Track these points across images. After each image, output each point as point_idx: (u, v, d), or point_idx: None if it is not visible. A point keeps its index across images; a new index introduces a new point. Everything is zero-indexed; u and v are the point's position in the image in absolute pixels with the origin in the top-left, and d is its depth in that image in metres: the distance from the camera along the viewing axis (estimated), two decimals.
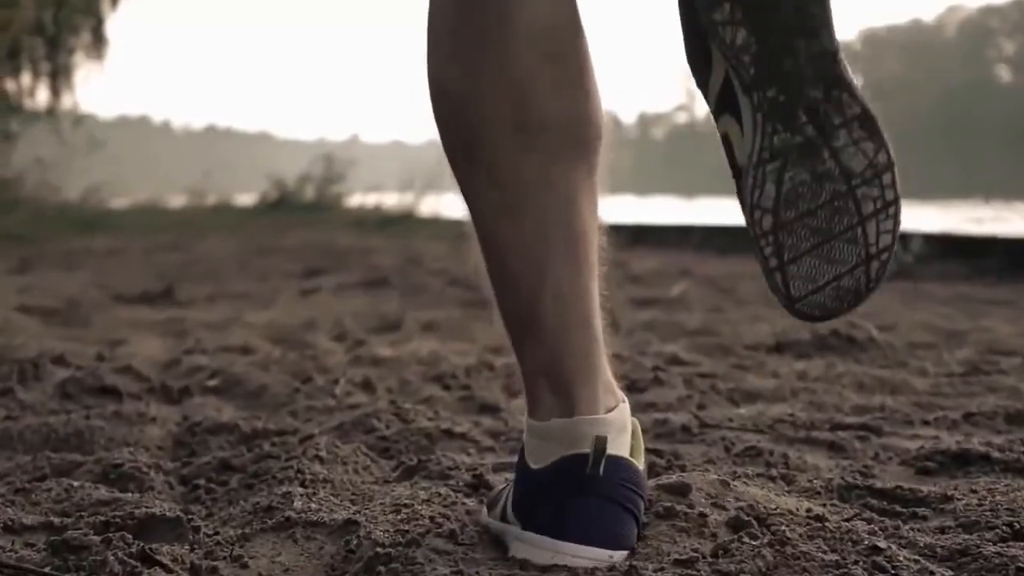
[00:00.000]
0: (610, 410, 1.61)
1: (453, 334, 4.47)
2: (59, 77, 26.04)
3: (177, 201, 21.70)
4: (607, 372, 1.66)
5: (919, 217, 11.48)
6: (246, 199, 20.75)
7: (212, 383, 2.90)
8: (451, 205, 16.89)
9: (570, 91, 1.62)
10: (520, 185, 1.63)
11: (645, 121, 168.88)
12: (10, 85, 25.91)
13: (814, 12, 1.57)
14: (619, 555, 1.56)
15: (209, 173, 21.71)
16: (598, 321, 1.67)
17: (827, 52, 1.57)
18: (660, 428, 2.32)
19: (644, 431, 1.81)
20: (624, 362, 3.11)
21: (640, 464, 1.64)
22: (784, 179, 1.58)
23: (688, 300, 5.82)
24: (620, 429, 1.61)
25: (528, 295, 1.63)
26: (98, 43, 26.62)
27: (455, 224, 13.23)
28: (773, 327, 4.71)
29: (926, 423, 2.48)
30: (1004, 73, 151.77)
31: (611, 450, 1.58)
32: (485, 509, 1.75)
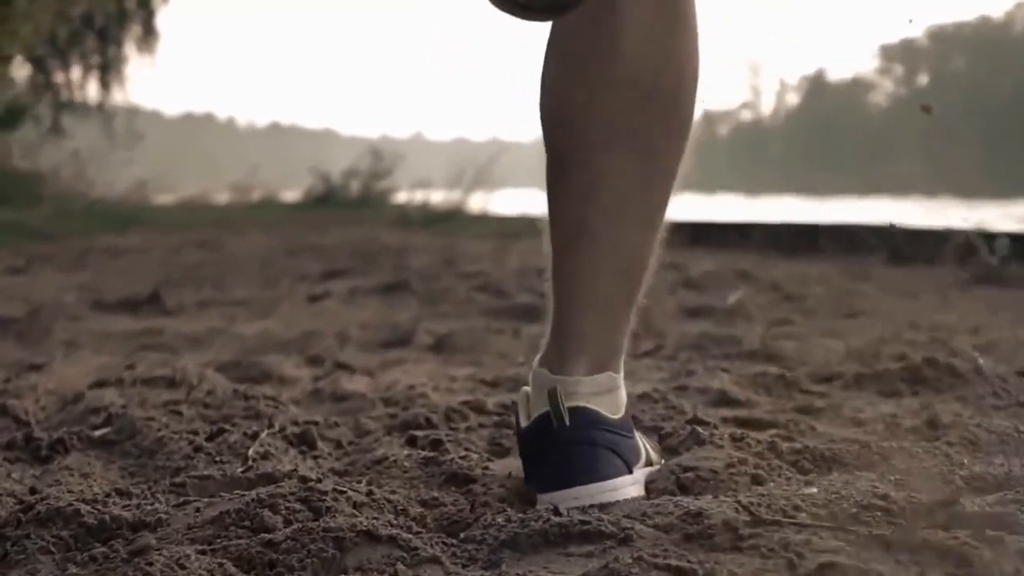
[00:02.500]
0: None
1: (463, 353, 3.75)
2: (109, 71, 25.64)
3: (223, 197, 21.21)
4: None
5: (1002, 216, 10.72)
6: (293, 195, 20.24)
7: (100, 433, 2.17)
8: (500, 201, 16.26)
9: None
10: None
11: (709, 118, 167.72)
12: (60, 79, 25.52)
13: None
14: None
15: (255, 168, 21.17)
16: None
17: None
18: (692, 525, 1.55)
19: (669, 528, 1.56)
20: (656, 403, 2.36)
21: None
22: None
23: (747, 309, 5.05)
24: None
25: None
26: (149, 36, 26.18)
27: (502, 221, 12.60)
28: (847, 344, 3.95)
29: None
30: None
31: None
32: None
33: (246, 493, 1.65)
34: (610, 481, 1.70)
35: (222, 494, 1.77)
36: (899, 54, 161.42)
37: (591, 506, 1.64)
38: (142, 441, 2.07)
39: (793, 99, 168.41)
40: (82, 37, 25.24)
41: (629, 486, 1.74)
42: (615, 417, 1.78)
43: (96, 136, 20.81)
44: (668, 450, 2.02)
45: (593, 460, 1.71)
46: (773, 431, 2.21)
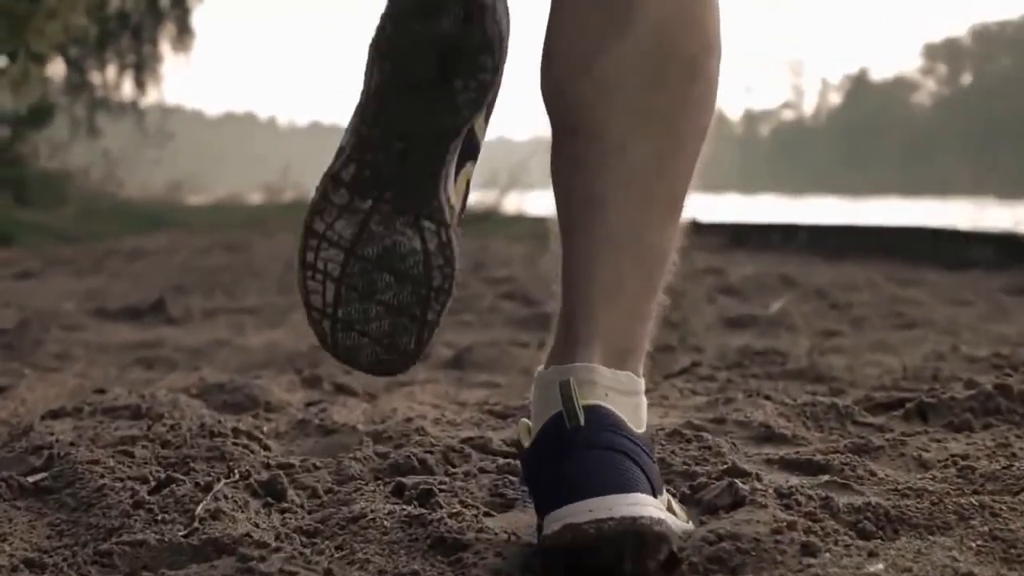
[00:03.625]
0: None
1: (481, 369, 3.44)
2: (144, 70, 25.47)
3: (256, 198, 20.98)
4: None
5: None
6: None
7: (36, 479, 1.85)
8: (536, 202, 15.92)
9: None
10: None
11: (751, 118, 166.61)
12: (96, 78, 25.35)
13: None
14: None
15: (287, 169, 20.89)
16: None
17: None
18: None
19: None
20: (689, 442, 2.02)
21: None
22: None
23: (791, 319, 4.71)
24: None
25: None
26: (184, 35, 26.00)
27: (537, 223, 12.24)
28: (902, 360, 3.62)
29: None
30: None
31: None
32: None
33: (174, 574, 1.33)
34: (635, 495, 1.40)
35: (146, 573, 1.45)
36: (943, 53, 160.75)
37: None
38: (80, 490, 1.75)
39: (835, 99, 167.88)
40: (117, 36, 25.11)
41: (652, 506, 1.42)
42: (638, 431, 1.52)
43: (128, 136, 20.60)
44: (702, 506, 1.69)
45: (613, 467, 1.43)
46: (826, 477, 1.87)
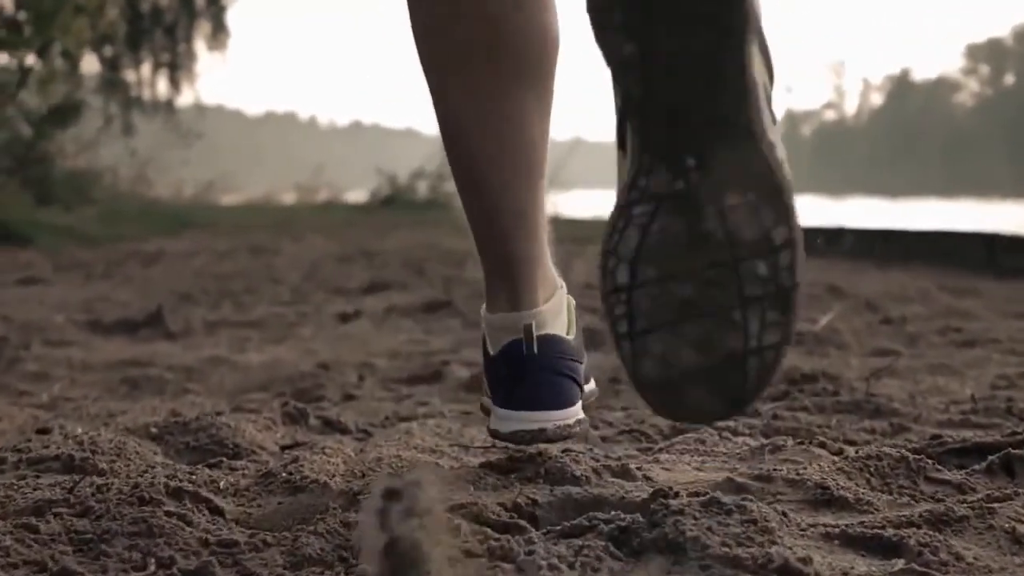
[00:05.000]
0: (547, 300, 1.92)
1: None
2: (178, 68, 25.25)
3: (289, 198, 20.72)
4: (547, 265, 1.94)
5: None
6: (360, 196, 19.70)
7: None
8: (571, 203, 15.55)
9: (535, 11, 1.76)
10: (489, 99, 1.79)
11: (793, 118, 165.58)
12: (130, 76, 25.12)
13: (724, 44, 1.30)
14: (569, 412, 1.89)
15: (321, 169, 20.63)
16: (544, 229, 1.93)
17: (737, 81, 1.31)
18: None
19: None
20: (729, 515, 1.63)
21: (572, 334, 1.96)
22: (652, 229, 1.34)
23: (841, 335, 4.31)
24: (556, 313, 1.93)
25: (489, 207, 1.88)
26: (219, 33, 25.77)
27: (572, 224, 11.87)
28: (967, 387, 3.24)
29: None
30: None
31: (547, 330, 1.90)
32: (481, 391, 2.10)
33: None
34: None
35: None
36: (985, 54, 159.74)
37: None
38: None
39: (877, 99, 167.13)
40: (151, 34, 24.91)
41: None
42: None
43: (157, 135, 20.35)
44: None
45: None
46: (901, 563, 1.49)
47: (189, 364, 3.77)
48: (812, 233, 10.07)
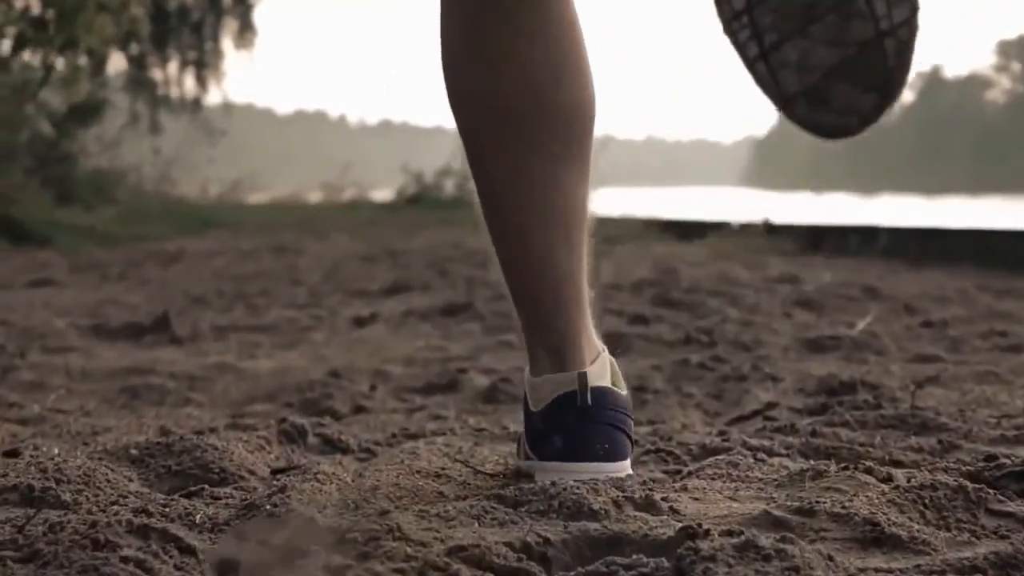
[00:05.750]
0: (593, 361, 1.88)
1: (518, 406, 2.88)
2: (205, 67, 25.13)
3: (316, 197, 20.57)
4: (590, 329, 1.91)
5: None
6: (387, 194, 19.53)
7: None
8: (601, 201, 15.35)
9: (570, 84, 1.76)
10: (527, 177, 1.79)
11: None
12: (157, 74, 25.00)
13: None
14: (621, 465, 1.87)
15: (347, 167, 20.45)
16: (586, 294, 1.90)
17: None
18: None
19: None
20: (768, 561, 1.41)
21: (623, 391, 1.92)
22: None
23: (880, 340, 4.10)
24: (601, 374, 1.88)
25: (531, 277, 1.86)
26: (246, 31, 25.63)
27: (602, 223, 11.64)
28: (1017, 397, 3.02)
29: None
30: None
31: (595, 383, 1.86)
32: (516, 454, 2.06)
33: None
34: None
35: None
36: (1017, 50, 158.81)
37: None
38: None
39: (908, 96, 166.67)
40: (178, 33, 24.80)
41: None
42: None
43: (183, 134, 20.22)
44: None
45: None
46: None
47: (193, 372, 3.59)
48: (845, 232, 9.86)
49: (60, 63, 14.23)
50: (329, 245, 10.29)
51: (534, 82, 1.76)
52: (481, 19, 1.76)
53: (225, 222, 13.95)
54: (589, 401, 1.84)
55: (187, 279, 6.79)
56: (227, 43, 25.55)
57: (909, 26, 1.36)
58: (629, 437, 1.90)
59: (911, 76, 1.35)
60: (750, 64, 1.42)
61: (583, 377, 1.84)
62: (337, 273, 7.32)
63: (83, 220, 11.44)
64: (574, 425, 1.84)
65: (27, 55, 13.98)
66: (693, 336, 4.24)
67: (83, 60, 15.64)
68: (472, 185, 1.92)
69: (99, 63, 19.61)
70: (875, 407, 2.76)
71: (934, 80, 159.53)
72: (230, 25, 25.61)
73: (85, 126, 14.04)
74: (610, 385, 1.88)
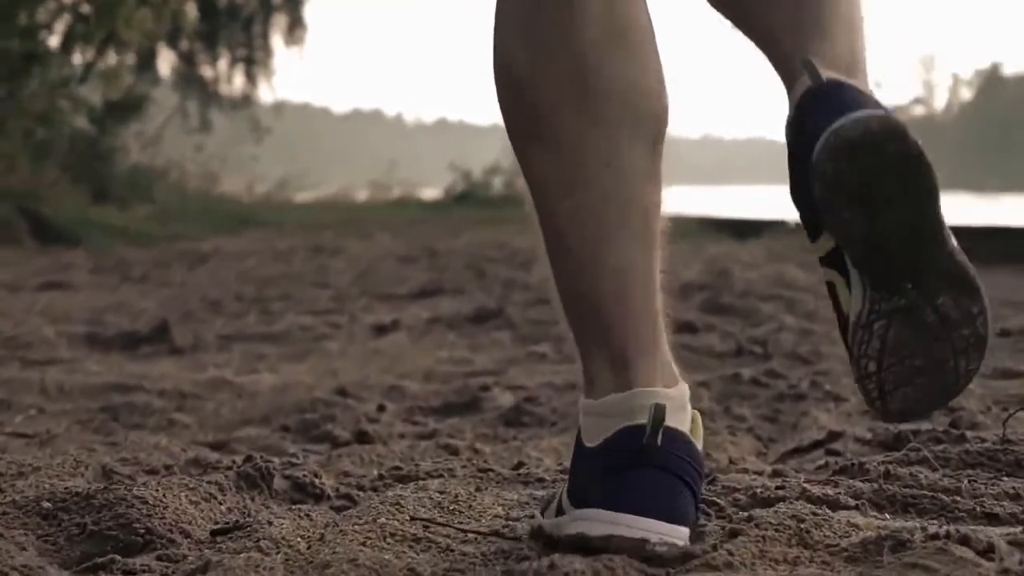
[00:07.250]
0: (668, 387, 1.59)
1: (542, 428, 2.55)
2: (255, 64, 24.91)
3: (363, 195, 20.28)
4: (666, 351, 1.64)
5: None
6: (435, 192, 19.24)
7: None
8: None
9: (631, 64, 1.59)
10: (581, 158, 1.58)
11: None
12: (207, 72, 24.78)
13: (927, 213, 1.59)
14: (680, 531, 1.52)
15: (393, 165, 20.16)
16: (658, 297, 1.63)
17: (935, 236, 1.59)
18: None
19: None
20: None
21: (698, 442, 1.61)
22: (889, 335, 1.60)
23: None
24: (679, 407, 1.59)
25: (588, 266, 1.59)
26: (295, 27, 25.40)
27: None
28: None
29: None
30: None
31: (670, 422, 1.55)
32: (538, 514, 1.71)
33: None
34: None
35: None
36: None
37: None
38: None
39: (966, 94, 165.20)
40: (228, 29, 24.62)
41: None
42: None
43: (231, 131, 20.00)
44: None
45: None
46: None
47: (184, 388, 3.22)
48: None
49: (105, 59, 13.97)
50: (369, 245, 9.94)
51: (595, 58, 1.56)
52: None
53: (267, 221, 13.62)
54: (658, 441, 1.53)
55: (209, 281, 6.44)
56: (277, 40, 25.34)
57: (974, 371, 1.65)
58: (696, 497, 1.58)
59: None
60: (870, 400, 1.64)
61: (659, 412, 1.54)
62: (369, 275, 6.95)
63: (118, 219, 11.13)
64: (636, 469, 1.54)
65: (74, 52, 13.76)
66: (745, 347, 3.86)
67: (129, 57, 15.40)
68: (522, 180, 1.68)
69: (147, 59, 19.37)
70: (958, 440, 2.34)
71: (993, 78, 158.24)
72: (280, 22, 25.38)
73: (125, 123, 13.75)
74: (687, 431, 1.59)
